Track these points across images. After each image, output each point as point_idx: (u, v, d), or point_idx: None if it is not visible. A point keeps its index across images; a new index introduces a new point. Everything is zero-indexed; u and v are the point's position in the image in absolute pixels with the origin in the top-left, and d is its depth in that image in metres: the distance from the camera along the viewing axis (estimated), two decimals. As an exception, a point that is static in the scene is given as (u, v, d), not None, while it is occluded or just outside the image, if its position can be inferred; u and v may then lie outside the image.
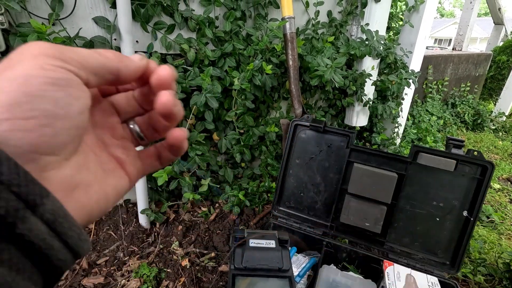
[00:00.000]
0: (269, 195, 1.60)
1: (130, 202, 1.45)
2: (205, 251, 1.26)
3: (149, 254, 1.21)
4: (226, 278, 1.16)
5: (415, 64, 2.06)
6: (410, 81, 1.79)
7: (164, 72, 0.22)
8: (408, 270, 1.04)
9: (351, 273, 1.11)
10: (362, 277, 1.09)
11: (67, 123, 0.17)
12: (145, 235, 1.31)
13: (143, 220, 1.32)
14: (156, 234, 1.32)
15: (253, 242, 0.92)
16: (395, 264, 1.05)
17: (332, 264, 1.15)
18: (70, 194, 0.18)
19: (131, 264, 1.15)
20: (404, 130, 2.40)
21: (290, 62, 1.36)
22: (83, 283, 1.07)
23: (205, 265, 1.19)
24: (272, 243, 0.93)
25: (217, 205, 1.55)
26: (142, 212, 1.29)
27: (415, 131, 2.45)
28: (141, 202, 1.29)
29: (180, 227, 1.37)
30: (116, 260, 1.17)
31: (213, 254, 1.24)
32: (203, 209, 1.49)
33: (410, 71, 1.84)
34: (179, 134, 0.23)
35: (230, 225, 1.42)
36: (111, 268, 1.13)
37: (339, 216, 1.16)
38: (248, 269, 0.86)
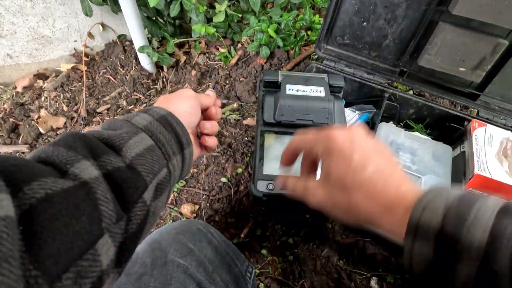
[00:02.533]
0: (309, 32, 1.18)
1: (126, 38, 1.11)
2: (226, 101, 1.01)
3: (158, 103, 0.99)
4: (252, 133, 0.95)
5: None
6: None
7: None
8: (506, 133, 0.74)
9: (416, 133, 0.84)
10: (431, 138, 0.83)
11: (195, 119, 0.44)
12: (151, 80, 1.04)
13: (144, 61, 1.03)
14: (164, 79, 1.06)
15: (291, 89, 0.62)
16: (487, 125, 0.75)
17: (392, 122, 0.87)
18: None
19: (137, 113, 0.95)
20: None
21: None
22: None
23: (227, 118, 0.97)
24: (320, 91, 0.63)
25: (239, 45, 1.18)
26: (141, 50, 0.97)
27: None
28: (137, 37, 0.95)
29: (194, 72, 1.07)
30: (120, 109, 0.97)
31: (235, 105, 0.99)
32: (222, 50, 1.14)
33: None
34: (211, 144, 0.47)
35: (257, 71, 1.11)
36: (114, 117, 0.94)
37: (417, 58, 0.78)
38: (283, 126, 0.60)
